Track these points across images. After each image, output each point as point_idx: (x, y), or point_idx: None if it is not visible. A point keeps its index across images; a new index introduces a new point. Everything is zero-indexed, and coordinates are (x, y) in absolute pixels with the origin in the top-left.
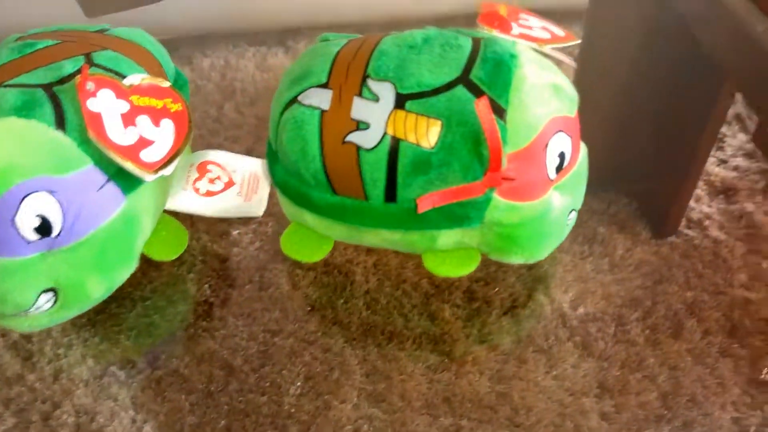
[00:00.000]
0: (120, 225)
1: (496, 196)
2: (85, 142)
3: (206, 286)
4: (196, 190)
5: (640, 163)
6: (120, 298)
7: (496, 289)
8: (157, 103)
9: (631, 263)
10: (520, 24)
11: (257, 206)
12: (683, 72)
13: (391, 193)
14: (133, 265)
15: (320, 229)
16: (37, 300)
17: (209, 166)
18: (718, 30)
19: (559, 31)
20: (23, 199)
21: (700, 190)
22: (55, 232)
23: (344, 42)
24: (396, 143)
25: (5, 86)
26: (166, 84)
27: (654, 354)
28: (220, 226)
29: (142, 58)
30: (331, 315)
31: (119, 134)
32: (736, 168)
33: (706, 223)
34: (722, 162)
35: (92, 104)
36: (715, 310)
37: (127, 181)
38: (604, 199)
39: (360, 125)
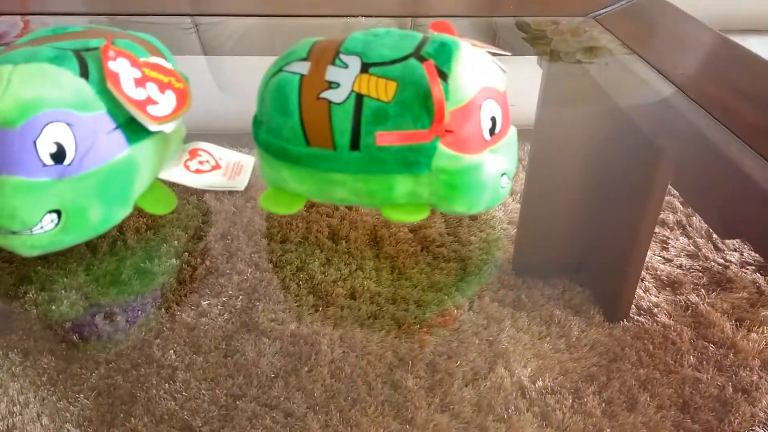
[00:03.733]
0: (122, 167)
1: (441, 146)
2: (102, 92)
3: (171, 351)
4: (187, 167)
5: (591, 255)
6: (83, 359)
7: (458, 363)
8: (164, 78)
9: (587, 343)
10: (466, 40)
11: (239, 184)
12: (624, 179)
13: (355, 142)
14: (128, 208)
15: (295, 184)
16: (42, 219)
17: (200, 152)
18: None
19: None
20: (46, 125)
21: (648, 282)
22: (67, 161)
23: (320, 38)
24: (360, 99)
25: (45, 46)
26: (172, 67)
27: (610, 425)
28: (191, 297)
29: (153, 51)
30: (295, 382)
31: (132, 90)
32: (680, 266)
33: (655, 311)
34: (667, 261)
35: (112, 65)
36: (666, 387)
37: (132, 132)
38: (558, 286)
39: (332, 85)
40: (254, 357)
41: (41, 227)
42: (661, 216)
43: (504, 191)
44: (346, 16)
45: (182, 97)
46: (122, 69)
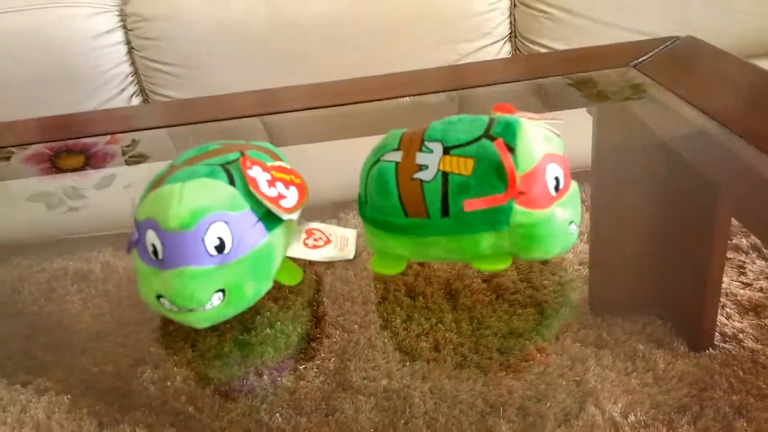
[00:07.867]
0: (264, 251)
1: (516, 205)
2: (246, 194)
3: (278, 414)
4: (306, 245)
5: (665, 287)
6: (201, 429)
7: (548, 405)
8: (286, 177)
9: (674, 375)
10: (523, 114)
11: (348, 254)
12: (685, 210)
13: (445, 210)
14: (270, 282)
15: (398, 248)
16: (211, 297)
17: (313, 231)
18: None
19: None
20: (211, 225)
21: (729, 309)
22: (226, 251)
23: (404, 130)
24: (446, 176)
25: (198, 164)
26: (289, 167)
27: None
28: (288, 362)
29: (272, 155)
30: None
31: (266, 190)
32: (760, 289)
33: (740, 336)
34: (747, 285)
35: (250, 172)
36: (762, 411)
37: (269, 222)
38: (638, 321)
39: (422, 167)
40: (353, 414)
41: (211, 304)
42: (735, 241)
43: (573, 236)
44: (395, 98)
45: (302, 190)
46: (257, 174)
